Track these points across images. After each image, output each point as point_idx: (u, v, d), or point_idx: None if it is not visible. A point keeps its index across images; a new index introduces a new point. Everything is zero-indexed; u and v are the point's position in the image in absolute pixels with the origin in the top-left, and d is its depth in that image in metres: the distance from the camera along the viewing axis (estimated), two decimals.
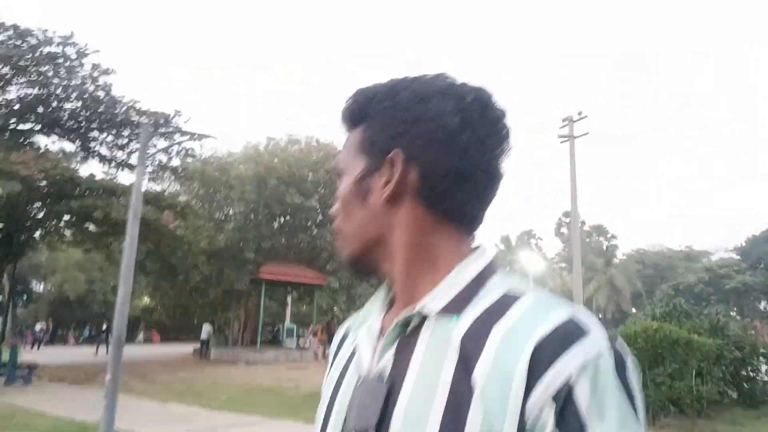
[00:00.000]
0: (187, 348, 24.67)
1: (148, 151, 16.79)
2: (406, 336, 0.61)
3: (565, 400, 0.50)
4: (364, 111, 0.67)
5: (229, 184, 18.96)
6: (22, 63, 13.46)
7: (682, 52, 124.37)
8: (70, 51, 14.08)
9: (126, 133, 15.97)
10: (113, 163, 16.80)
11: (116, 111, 14.79)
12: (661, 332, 7.65)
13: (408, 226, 0.64)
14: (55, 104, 14.64)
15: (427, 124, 0.63)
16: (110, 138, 16.23)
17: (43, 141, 16.09)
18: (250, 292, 21.69)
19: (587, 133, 18.43)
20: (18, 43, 13.50)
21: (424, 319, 0.60)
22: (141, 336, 38.08)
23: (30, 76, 14.00)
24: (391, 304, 0.69)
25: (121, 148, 16.60)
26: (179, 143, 16.59)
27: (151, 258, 20.12)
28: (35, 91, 14.31)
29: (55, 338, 34.88)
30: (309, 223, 21.67)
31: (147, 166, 16.75)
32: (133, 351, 26.78)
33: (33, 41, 13.60)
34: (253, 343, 22.32)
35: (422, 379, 0.57)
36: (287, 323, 27.19)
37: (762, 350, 9.60)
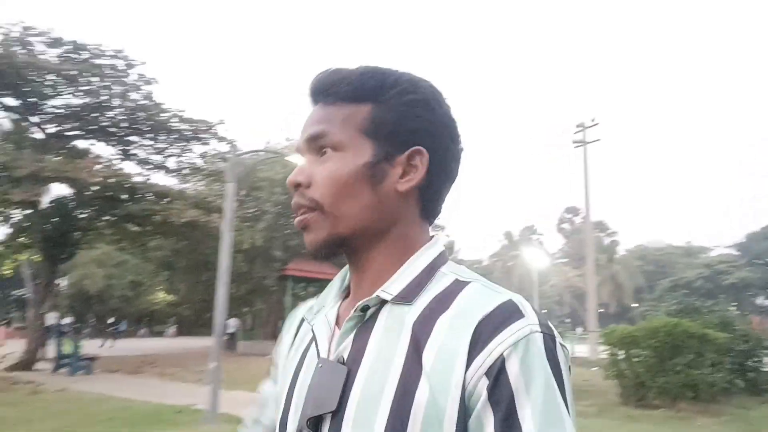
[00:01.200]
0: (205, 341, 25.75)
1: (183, 158, 17.83)
2: (365, 322, 0.64)
3: (497, 373, 0.55)
4: (376, 91, 0.67)
5: (258, 185, 19.94)
6: (75, 74, 14.40)
7: (680, 48, 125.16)
8: (119, 63, 15.02)
9: (163, 138, 16.93)
10: (150, 166, 17.77)
11: (158, 118, 15.73)
12: (680, 327, 8.70)
13: (407, 219, 0.67)
14: (102, 112, 15.59)
15: (445, 129, 0.68)
16: (149, 142, 17.18)
17: (83, 144, 17.07)
18: (273, 288, 22.69)
19: (599, 140, 19.39)
20: (74, 56, 14.45)
21: (381, 305, 0.64)
22: (169, 329, 39.44)
23: (82, 86, 14.93)
24: (346, 293, 0.72)
25: (159, 152, 17.55)
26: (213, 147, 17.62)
27: (184, 255, 21.15)
28: (86, 100, 15.25)
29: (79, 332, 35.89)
30: None
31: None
32: (153, 344, 27.86)
33: (87, 54, 14.54)
34: (275, 336, 23.40)
35: (378, 361, 0.60)
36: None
37: (766, 343, 10.69)
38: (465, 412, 0.55)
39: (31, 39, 14.04)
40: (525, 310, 0.59)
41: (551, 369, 0.56)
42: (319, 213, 0.65)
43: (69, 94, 15.11)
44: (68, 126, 15.90)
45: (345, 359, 0.63)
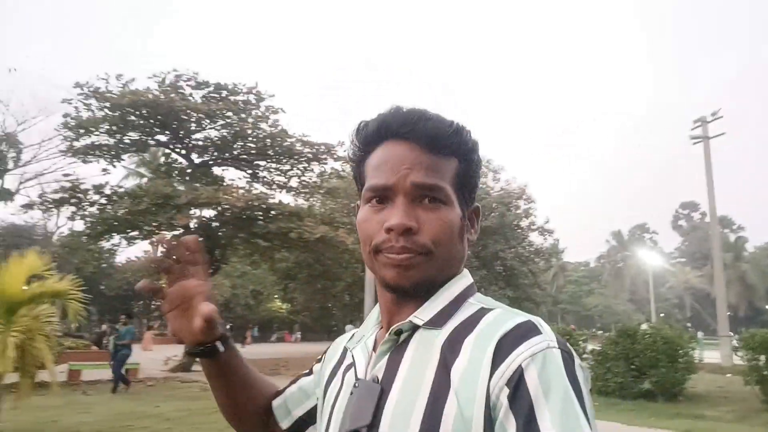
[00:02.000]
0: (320, 346, 27.51)
1: (303, 177, 19.47)
2: (398, 345, 0.70)
3: (517, 383, 0.58)
4: (458, 147, 0.72)
5: None
6: (216, 111, 16.45)
7: None
8: (252, 98, 16.92)
9: (286, 160, 18.66)
10: (274, 186, 19.64)
11: (284, 144, 17.42)
12: None
13: (462, 267, 0.76)
14: (236, 142, 17.57)
15: (478, 186, 0.79)
16: (274, 165, 19.01)
17: (218, 171, 19.27)
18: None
19: (723, 134, 18.40)
20: (215, 95, 16.56)
21: (414, 330, 0.70)
22: (294, 334, 42.49)
23: (221, 120, 17.00)
24: (382, 325, 0.77)
25: (283, 173, 19.34)
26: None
27: (304, 266, 22.93)
28: (224, 132, 17.32)
29: None
30: None
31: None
32: (277, 348, 30.15)
33: (225, 93, 16.58)
34: None
35: (409, 380, 0.65)
36: None
37: None
38: (491, 421, 0.59)
39: (181, 84, 16.31)
40: (543, 328, 0.63)
41: (569, 382, 0.58)
42: (427, 257, 0.69)
43: (210, 128, 17.26)
44: (208, 156, 18.14)
45: (380, 379, 0.69)
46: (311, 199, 20.47)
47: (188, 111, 16.00)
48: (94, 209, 15.45)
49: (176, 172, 18.54)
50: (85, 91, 15.71)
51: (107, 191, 15.03)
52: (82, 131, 15.69)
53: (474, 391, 0.60)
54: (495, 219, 24.03)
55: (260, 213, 16.19)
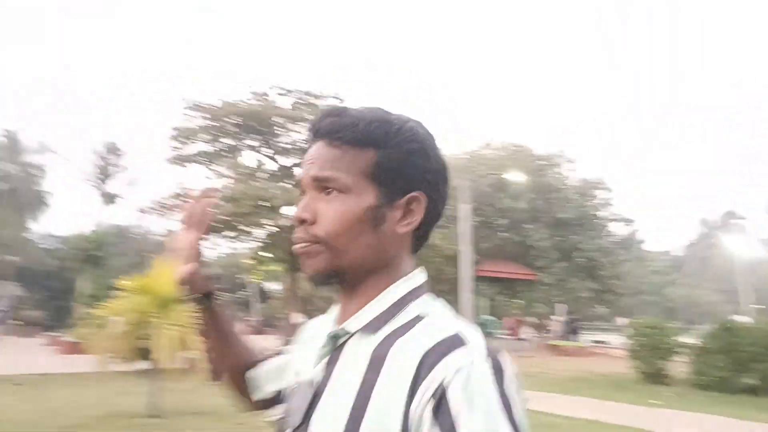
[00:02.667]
0: None
1: None
2: (336, 348, 0.71)
3: (439, 399, 0.57)
4: (377, 138, 0.71)
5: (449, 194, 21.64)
6: (303, 116, 17.40)
7: None
8: (333, 100, 17.83)
9: None
10: None
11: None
12: None
13: (399, 257, 0.73)
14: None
15: (437, 176, 0.74)
16: None
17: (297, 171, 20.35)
18: (452, 288, 24.22)
19: None
20: (302, 101, 17.58)
21: (351, 335, 0.70)
22: None
23: (303, 124, 17.93)
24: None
25: None
26: None
27: None
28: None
29: None
30: (520, 224, 23.58)
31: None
32: None
33: (311, 99, 17.57)
34: None
35: (337, 388, 0.67)
36: (482, 316, 29.37)
37: None
38: None
39: (271, 92, 17.48)
40: (471, 339, 0.62)
41: (497, 394, 0.58)
42: (322, 245, 0.70)
43: (294, 131, 18.33)
44: (293, 157, 19.29)
45: (316, 382, 0.70)
46: None
47: (277, 117, 17.11)
48: None
49: (264, 174, 19.84)
50: (189, 104, 17.20)
51: None
52: (188, 140, 17.19)
53: (392, 410, 0.60)
54: (573, 210, 23.71)
55: None
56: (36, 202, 36.74)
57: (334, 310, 0.79)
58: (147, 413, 7.32)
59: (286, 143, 18.80)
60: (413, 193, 0.72)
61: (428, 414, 0.58)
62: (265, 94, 17.41)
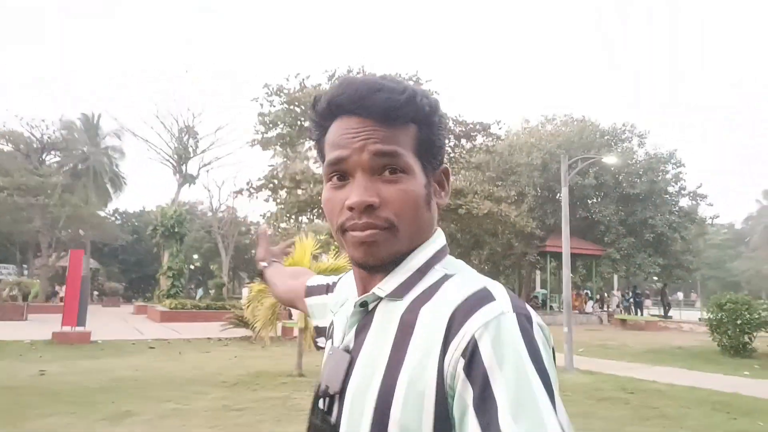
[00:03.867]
0: None
1: (453, 154, 20.62)
2: (367, 314, 0.72)
3: (471, 354, 0.58)
4: (415, 113, 0.69)
5: (516, 171, 21.96)
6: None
7: None
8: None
9: None
10: None
11: None
12: None
13: (433, 231, 0.74)
14: None
15: (444, 147, 0.76)
16: None
17: None
18: (534, 262, 24.59)
19: None
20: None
21: (379, 300, 0.71)
22: None
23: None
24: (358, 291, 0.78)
25: None
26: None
27: (450, 237, 24.39)
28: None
29: None
30: (585, 199, 23.69)
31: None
32: None
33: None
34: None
35: (371, 352, 0.68)
36: (538, 290, 29.68)
37: None
38: (444, 394, 0.60)
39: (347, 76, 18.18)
40: (497, 294, 0.63)
41: (525, 346, 0.58)
42: (391, 231, 0.68)
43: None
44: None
45: (350, 348, 0.72)
46: (459, 174, 21.71)
47: None
48: (283, 193, 18.00)
49: None
50: (271, 90, 18.12)
51: (298, 177, 17.42)
52: (270, 125, 18.17)
53: (426, 365, 0.61)
54: (643, 185, 23.59)
55: None
56: (114, 181, 39.22)
57: (355, 283, 0.79)
58: (296, 372, 8.37)
59: None
60: (444, 167, 0.75)
61: (461, 370, 0.58)
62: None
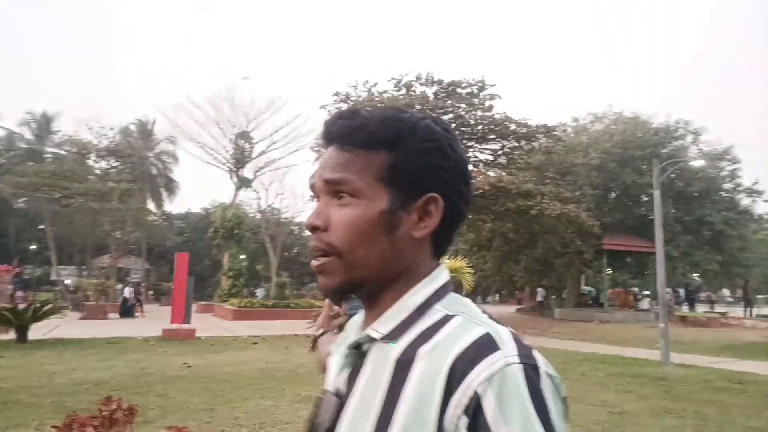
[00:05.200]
0: (505, 309, 30.10)
1: (513, 155, 21.12)
2: (360, 357, 0.69)
3: (474, 412, 0.55)
4: (392, 140, 0.68)
5: (572, 170, 22.35)
6: (444, 102, 18.70)
7: None
8: (475, 89, 18.97)
9: (499, 140, 20.48)
10: (480, 164, 21.63)
11: (503, 128, 19.25)
12: None
13: (419, 261, 0.69)
14: (459, 128, 19.79)
15: (457, 175, 0.70)
16: (489, 146, 20.96)
17: None
18: (572, 261, 24.96)
19: None
20: (444, 90, 18.87)
21: (374, 342, 0.67)
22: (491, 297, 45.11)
23: (448, 111, 19.26)
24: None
25: (494, 153, 21.23)
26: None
27: (500, 236, 24.93)
28: (455, 122, 19.61)
29: None
30: (642, 197, 23.98)
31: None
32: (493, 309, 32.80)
33: (453, 88, 18.83)
34: (579, 304, 25.82)
35: (363, 398, 0.65)
36: (584, 287, 29.84)
37: None
38: None
39: (413, 83, 18.87)
40: (502, 342, 0.59)
41: (532, 401, 0.55)
42: (336, 258, 0.67)
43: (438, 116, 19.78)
44: None
45: (341, 392, 0.69)
46: (519, 175, 22.20)
47: (420, 107, 18.51)
48: None
49: None
50: (340, 97, 18.96)
51: None
52: None
53: (425, 420, 0.58)
54: (700, 183, 23.70)
55: (501, 193, 18.29)
56: (167, 185, 40.84)
57: (356, 324, 0.77)
58: None
59: None
60: (429, 195, 0.68)
61: (464, 427, 0.56)
62: (410, 84, 18.79)
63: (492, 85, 18.81)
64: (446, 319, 0.64)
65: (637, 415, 6.01)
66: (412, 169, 0.68)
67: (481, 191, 17.13)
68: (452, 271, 9.84)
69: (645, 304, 24.60)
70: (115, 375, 7.99)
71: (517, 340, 0.60)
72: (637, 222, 24.32)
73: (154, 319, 18.63)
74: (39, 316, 12.30)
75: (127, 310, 21.49)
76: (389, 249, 0.67)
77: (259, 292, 33.75)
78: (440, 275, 0.70)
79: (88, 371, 8.27)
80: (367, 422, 0.62)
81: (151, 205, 40.23)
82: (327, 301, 1.44)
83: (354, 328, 0.78)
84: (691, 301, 27.00)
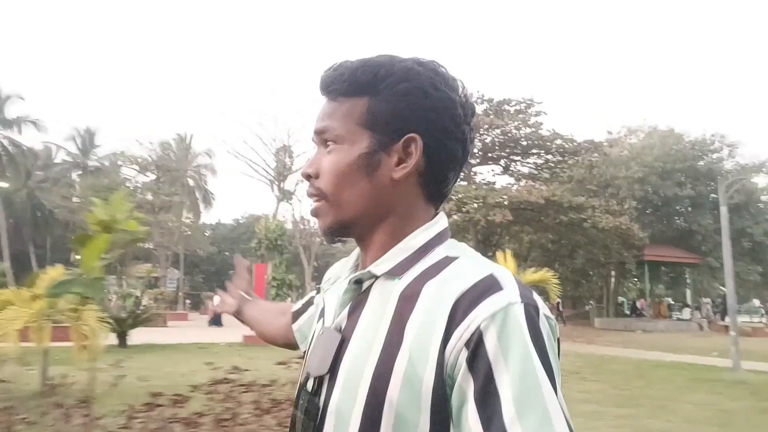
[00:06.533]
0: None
1: (556, 169, 21.84)
2: (361, 293, 0.70)
3: (475, 345, 0.57)
4: (370, 84, 0.69)
5: (613, 183, 23.01)
6: (493, 120, 19.51)
7: None
8: (523, 106, 19.80)
9: (543, 154, 21.25)
10: (521, 178, 22.37)
11: (548, 144, 20.02)
12: None
13: (405, 203, 0.70)
14: (505, 144, 20.64)
15: (442, 113, 0.69)
16: (530, 160, 21.74)
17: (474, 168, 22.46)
18: (610, 272, 25.50)
19: None
20: (491, 108, 19.75)
21: (375, 279, 0.69)
22: None
23: (495, 127, 20.08)
24: (357, 267, 0.77)
25: (536, 166, 21.99)
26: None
27: (539, 246, 25.57)
28: (496, 136, 20.49)
29: None
30: (681, 209, 24.53)
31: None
32: None
33: (503, 106, 19.66)
34: (617, 314, 26.30)
35: (366, 331, 0.66)
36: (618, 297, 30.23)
37: None
38: (443, 382, 0.58)
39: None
40: (504, 283, 0.61)
41: (531, 338, 0.57)
42: (325, 202, 0.72)
43: (482, 139, 20.54)
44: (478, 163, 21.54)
45: (342, 328, 0.70)
46: (561, 188, 22.91)
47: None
48: None
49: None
50: None
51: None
52: None
53: (427, 350, 0.59)
54: (739, 195, 24.13)
55: (551, 207, 19.00)
56: (204, 197, 42.09)
57: (354, 256, 0.80)
58: None
59: (476, 150, 21.04)
60: (408, 135, 0.69)
61: (463, 360, 0.57)
62: None
63: (539, 102, 19.64)
64: (449, 259, 0.67)
65: (742, 413, 6.66)
66: (389, 111, 0.69)
67: (528, 205, 17.92)
68: (540, 281, 10.57)
69: (686, 314, 24.99)
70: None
71: (519, 282, 0.62)
72: (675, 233, 24.84)
73: (228, 327, 19.43)
74: (137, 323, 13.29)
75: (216, 319, 22.25)
76: (370, 190, 0.70)
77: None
78: (440, 221, 0.73)
79: (195, 373, 8.98)
80: (372, 352, 0.63)
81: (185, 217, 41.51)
82: (240, 260, 1.46)
83: (337, 268, 0.86)
84: (725, 310, 27.27)
